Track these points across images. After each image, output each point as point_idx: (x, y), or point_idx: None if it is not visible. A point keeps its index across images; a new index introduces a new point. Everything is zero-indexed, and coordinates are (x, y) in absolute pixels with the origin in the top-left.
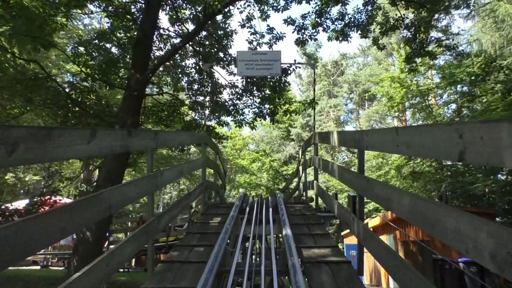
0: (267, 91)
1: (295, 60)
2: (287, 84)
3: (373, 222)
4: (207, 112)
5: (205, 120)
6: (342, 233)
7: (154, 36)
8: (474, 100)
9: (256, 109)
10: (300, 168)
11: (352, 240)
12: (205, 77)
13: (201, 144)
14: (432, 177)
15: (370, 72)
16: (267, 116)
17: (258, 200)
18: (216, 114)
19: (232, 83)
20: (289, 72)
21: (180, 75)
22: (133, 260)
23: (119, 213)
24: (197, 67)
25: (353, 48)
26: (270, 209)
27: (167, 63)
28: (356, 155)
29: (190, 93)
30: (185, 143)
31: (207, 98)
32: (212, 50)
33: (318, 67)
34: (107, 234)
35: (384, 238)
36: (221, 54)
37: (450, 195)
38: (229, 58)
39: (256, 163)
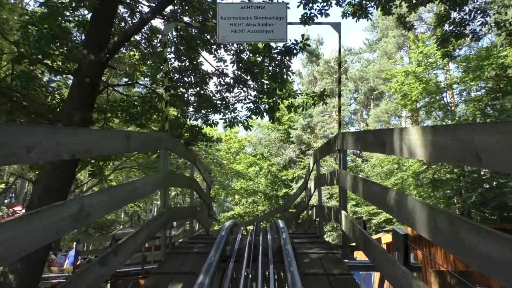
0: (266, 81)
1: (302, 36)
2: (290, 73)
3: (386, 238)
4: (166, 95)
5: (166, 109)
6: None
7: (119, 6)
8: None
9: (251, 104)
10: (311, 183)
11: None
12: (167, 46)
13: (160, 151)
14: (455, 185)
15: (379, 67)
16: (265, 114)
17: (252, 239)
18: (203, 111)
19: (219, 70)
20: (294, 51)
21: (159, 64)
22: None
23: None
24: (178, 52)
25: (359, 43)
26: (271, 267)
27: (145, 51)
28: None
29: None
30: (110, 151)
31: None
32: (194, 32)
33: (320, 63)
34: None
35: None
36: (208, 37)
37: (476, 206)
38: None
39: (253, 168)
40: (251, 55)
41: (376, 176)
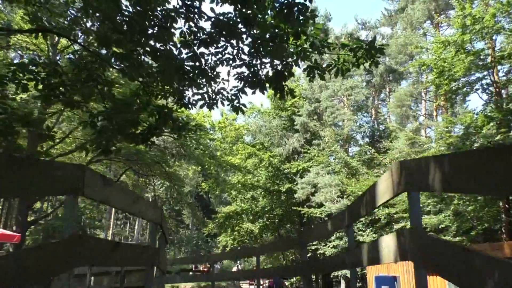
0: (269, 21)
1: None
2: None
3: None
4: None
5: None
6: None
7: None
8: None
9: (243, 68)
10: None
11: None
12: None
13: None
14: None
15: (404, 41)
16: (267, 84)
17: None
18: (175, 84)
19: (190, 5)
20: None
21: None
22: None
23: None
24: None
25: (376, 14)
26: None
27: None
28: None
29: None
30: None
31: None
32: None
33: (330, 39)
34: None
35: (442, 284)
36: None
37: None
38: None
39: (252, 159)
40: None
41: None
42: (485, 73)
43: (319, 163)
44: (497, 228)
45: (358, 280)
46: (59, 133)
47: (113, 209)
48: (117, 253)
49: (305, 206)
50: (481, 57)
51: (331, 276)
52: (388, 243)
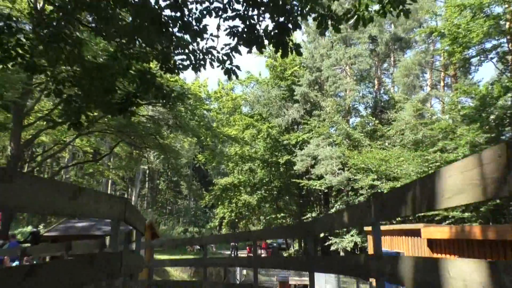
0: None
1: None
2: None
3: (436, 232)
4: None
5: None
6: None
7: None
8: None
9: (236, 20)
10: None
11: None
12: None
13: None
14: None
15: (414, 6)
16: (266, 41)
17: None
18: (159, 46)
19: None
20: None
21: None
22: None
23: None
24: None
25: None
26: None
27: None
28: None
29: None
30: None
31: None
32: None
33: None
34: None
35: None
36: None
37: None
38: None
39: (250, 130)
40: None
41: (401, 146)
42: (503, 40)
43: (320, 135)
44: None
45: (357, 252)
46: (48, 105)
47: (109, 180)
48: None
49: (304, 178)
50: (501, 22)
51: (328, 244)
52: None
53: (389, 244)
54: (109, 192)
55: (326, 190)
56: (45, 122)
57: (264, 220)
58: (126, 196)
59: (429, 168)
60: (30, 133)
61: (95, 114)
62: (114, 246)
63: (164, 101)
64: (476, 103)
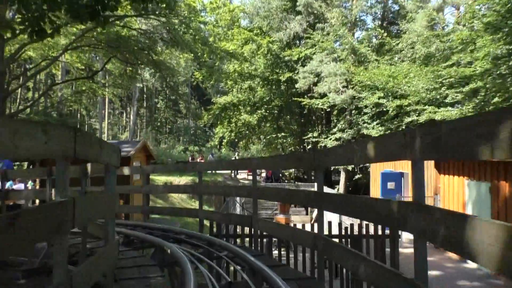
0: None
1: None
2: None
3: None
4: None
5: None
6: None
7: None
8: None
9: None
10: None
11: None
12: None
13: None
14: None
15: None
16: None
17: None
18: None
19: None
20: None
21: None
22: None
23: None
24: None
25: None
26: None
27: None
28: None
29: None
30: None
31: None
32: None
33: None
34: None
35: (460, 184)
36: None
37: None
38: None
39: (249, 45)
40: None
41: (411, 61)
42: None
43: (323, 50)
44: None
45: (358, 173)
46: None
47: (106, 97)
48: None
49: (306, 96)
50: None
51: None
52: None
53: (393, 165)
54: (106, 111)
55: (328, 109)
56: (26, 36)
57: (264, 140)
58: (124, 115)
59: (441, 85)
60: (15, 48)
61: (63, 20)
62: (60, 192)
63: (146, 6)
64: (501, 9)
